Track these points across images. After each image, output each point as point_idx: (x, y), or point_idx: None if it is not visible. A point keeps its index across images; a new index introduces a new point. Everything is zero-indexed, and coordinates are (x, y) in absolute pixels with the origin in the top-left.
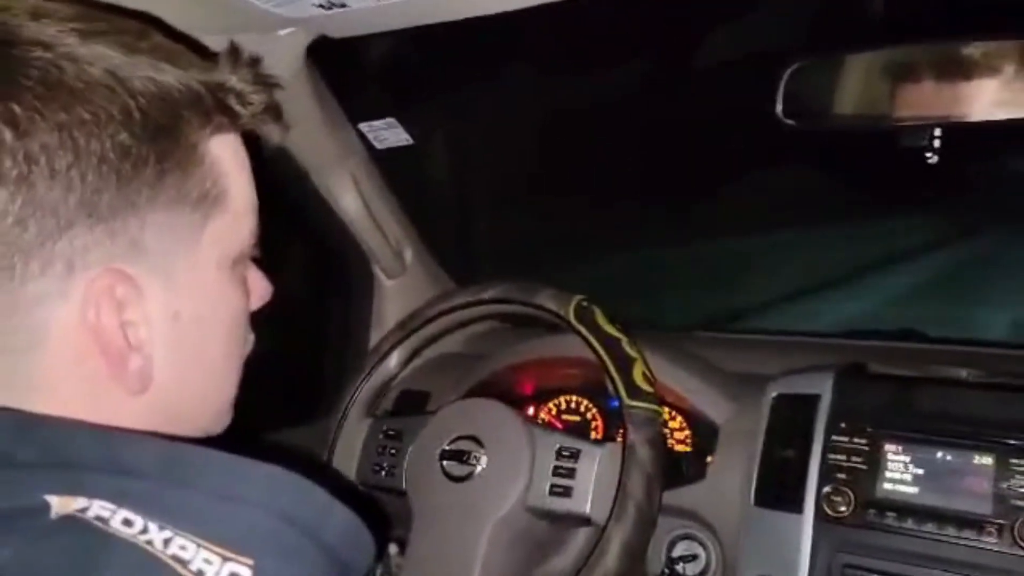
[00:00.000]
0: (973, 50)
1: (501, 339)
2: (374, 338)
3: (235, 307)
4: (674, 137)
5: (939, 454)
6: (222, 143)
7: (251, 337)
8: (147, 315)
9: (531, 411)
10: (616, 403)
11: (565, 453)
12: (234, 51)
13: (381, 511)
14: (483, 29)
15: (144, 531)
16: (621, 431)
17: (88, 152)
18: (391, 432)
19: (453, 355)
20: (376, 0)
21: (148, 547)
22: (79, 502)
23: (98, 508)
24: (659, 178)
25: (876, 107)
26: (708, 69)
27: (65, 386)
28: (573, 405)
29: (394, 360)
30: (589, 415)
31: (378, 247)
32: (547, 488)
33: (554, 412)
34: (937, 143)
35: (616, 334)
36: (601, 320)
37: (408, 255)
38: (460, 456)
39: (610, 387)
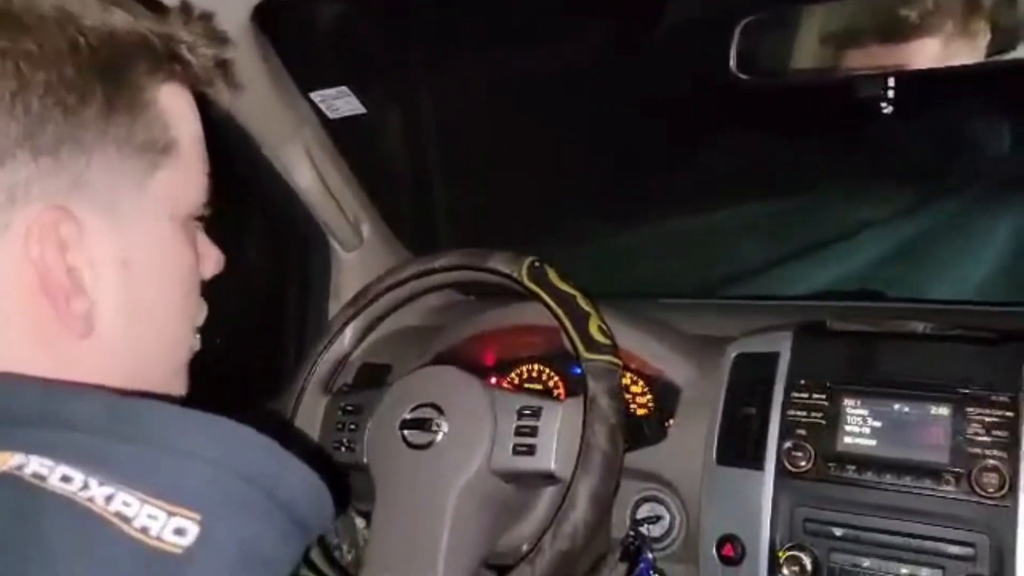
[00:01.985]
0: None
1: (460, 310)
2: (333, 312)
3: (188, 264)
4: (630, 105)
5: (896, 406)
6: (172, 93)
7: (204, 306)
8: (91, 258)
9: (493, 381)
10: (578, 369)
11: (526, 412)
12: (185, 6)
13: (342, 472)
14: None
15: (84, 487)
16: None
17: (33, 82)
18: (349, 407)
19: (413, 328)
20: None
21: (88, 504)
22: (16, 459)
23: (36, 464)
24: (617, 148)
25: (829, 59)
26: (663, 31)
27: (11, 327)
28: (535, 373)
29: (348, 336)
30: (551, 383)
31: (334, 220)
32: (510, 448)
33: (516, 381)
34: (891, 93)
35: (570, 291)
36: (554, 278)
37: (365, 228)
38: (421, 424)
39: (567, 342)
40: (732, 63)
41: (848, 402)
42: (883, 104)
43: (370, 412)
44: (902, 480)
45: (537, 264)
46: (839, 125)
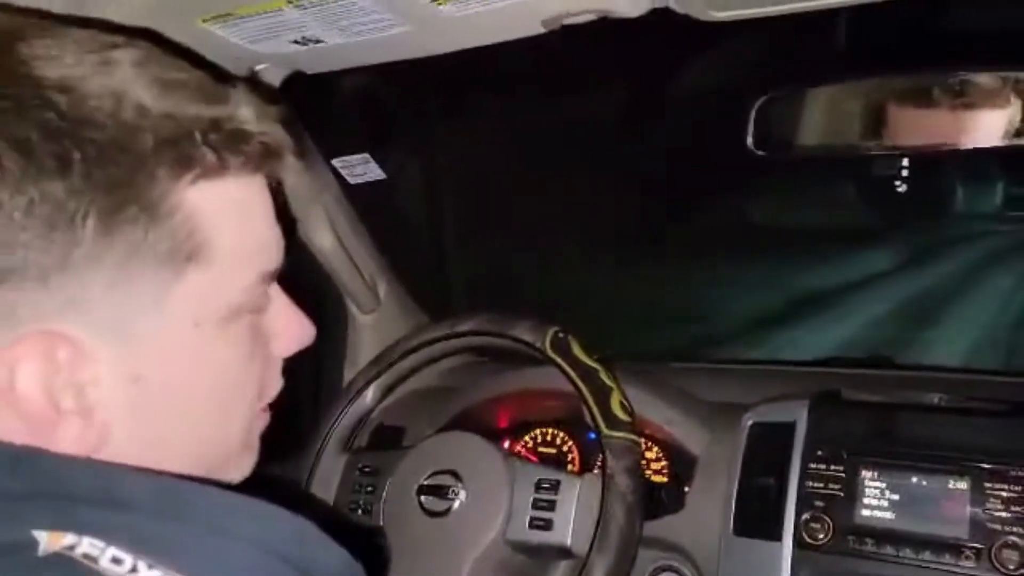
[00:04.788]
0: (938, 82)
1: (475, 372)
2: (348, 373)
3: (224, 366)
4: (646, 167)
5: (915, 479)
6: (207, 191)
7: (275, 384)
8: (97, 377)
9: (507, 444)
10: (593, 435)
11: (544, 485)
12: (251, 82)
13: (374, 546)
14: (455, 63)
15: (134, 570)
16: (600, 462)
17: (10, 206)
18: (367, 468)
19: (427, 389)
20: (350, 37)
21: None
22: (68, 538)
23: (87, 545)
24: (632, 209)
25: (845, 137)
26: (680, 101)
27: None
28: (549, 438)
29: (370, 396)
30: (565, 447)
31: (352, 282)
32: (527, 521)
33: (530, 445)
34: (905, 172)
35: (592, 364)
36: (577, 350)
37: (382, 290)
38: (438, 491)
39: (588, 417)
40: (749, 140)
41: (866, 474)
42: (897, 183)
43: (387, 474)
44: (921, 555)
45: (561, 335)
46: (847, 194)
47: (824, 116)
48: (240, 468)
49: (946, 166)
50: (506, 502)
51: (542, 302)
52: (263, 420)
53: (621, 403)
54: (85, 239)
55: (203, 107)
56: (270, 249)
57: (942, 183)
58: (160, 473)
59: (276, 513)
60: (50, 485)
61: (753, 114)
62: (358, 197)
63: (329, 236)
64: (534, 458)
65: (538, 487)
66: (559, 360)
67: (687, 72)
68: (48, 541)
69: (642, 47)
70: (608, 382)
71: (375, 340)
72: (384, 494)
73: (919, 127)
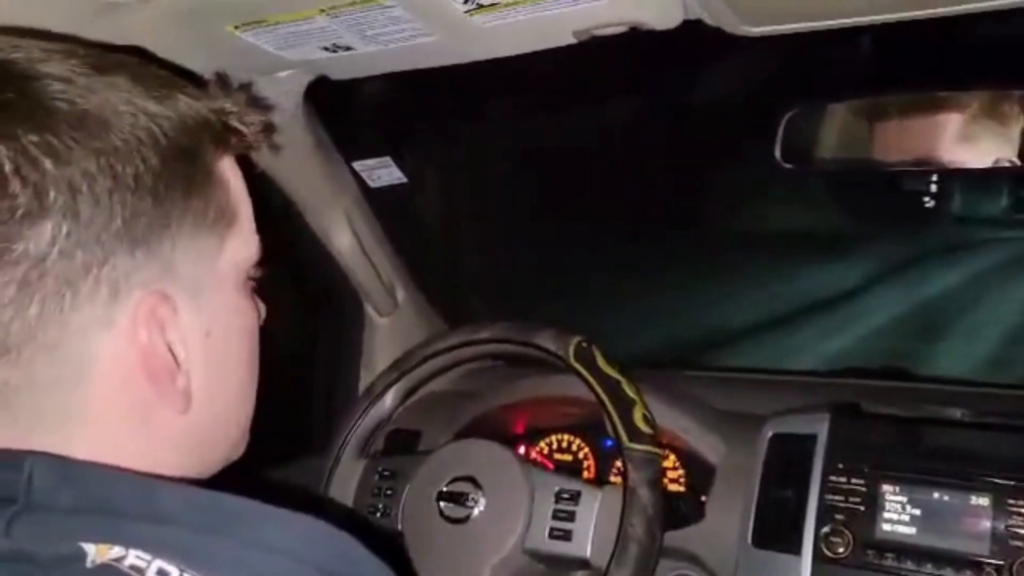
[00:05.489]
0: (967, 99)
1: (490, 377)
2: (364, 375)
3: (252, 322)
4: (664, 175)
5: (936, 494)
6: (230, 165)
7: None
8: (183, 335)
9: (522, 450)
10: (610, 442)
11: (565, 496)
12: (222, 79)
13: (394, 550)
14: (478, 70)
15: None
16: (617, 472)
17: (125, 176)
18: (386, 472)
19: (444, 393)
20: (381, 45)
21: None
22: (115, 551)
23: (134, 558)
24: (649, 216)
25: (874, 153)
26: (701, 110)
27: (113, 415)
28: (565, 444)
29: (389, 400)
30: (581, 454)
31: (370, 284)
32: (546, 532)
33: (545, 451)
34: (935, 188)
35: (615, 375)
36: (601, 361)
37: (400, 294)
38: (458, 498)
39: (609, 429)
40: (777, 153)
41: (887, 488)
42: (926, 199)
43: (407, 478)
44: (942, 571)
45: (584, 344)
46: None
47: (853, 130)
48: (242, 446)
49: (973, 181)
50: (525, 511)
51: (557, 307)
52: None
53: (644, 415)
54: (175, 206)
55: (209, 99)
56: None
57: (967, 196)
58: (199, 484)
59: (318, 527)
60: (96, 499)
61: (781, 127)
62: (377, 200)
63: (348, 238)
64: (550, 464)
65: (558, 497)
66: (582, 370)
67: (713, 84)
68: (96, 553)
69: (664, 58)
70: (631, 394)
71: (392, 343)
72: (403, 498)
73: (945, 143)
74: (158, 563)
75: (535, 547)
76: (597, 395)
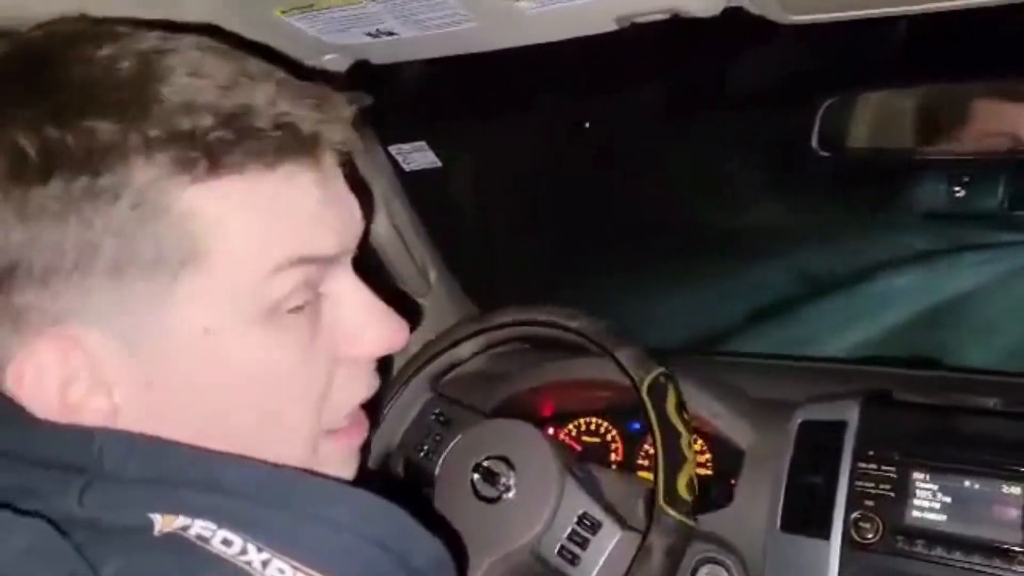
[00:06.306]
0: (1006, 89)
1: (519, 359)
2: (397, 356)
3: (262, 371)
4: (697, 163)
5: (967, 482)
6: (214, 191)
7: (374, 383)
8: (107, 384)
9: (551, 431)
10: (637, 425)
11: (586, 521)
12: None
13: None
14: (515, 56)
15: (243, 552)
16: (643, 466)
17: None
18: (442, 418)
19: (475, 372)
20: (424, 31)
21: (247, 567)
22: (181, 520)
23: (199, 527)
24: (680, 202)
25: (909, 142)
26: (735, 100)
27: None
28: (593, 427)
29: (467, 347)
30: (609, 437)
31: (404, 267)
32: (557, 547)
33: (574, 433)
34: (966, 179)
35: (679, 428)
36: (670, 406)
37: (432, 276)
38: (492, 477)
39: (653, 479)
40: (814, 141)
41: (917, 475)
42: (956, 189)
43: (457, 431)
44: (972, 558)
45: (663, 380)
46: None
47: (890, 119)
48: (310, 464)
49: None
50: (548, 517)
51: (583, 291)
52: (345, 439)
53: (689, 481)
54: (69, 248)
55: (220, 101)
56: (296, 239)
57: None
58: (262, 462)
59: (376, 503)
60: (161, 470)
61: (819, 116)
62: (411, 184)
63: (383, 220)
64: (577, 447)
65: (580, 520)
66: (648, 406)
67: (751, 72)
68: (163, 522)
69: (702, 45)
70: (686, 452)
71: (425, 325)
72: (447, 450)
73: (980, 134)
74: (223, 533)
75: (543, 554)
76: (653, 436)
